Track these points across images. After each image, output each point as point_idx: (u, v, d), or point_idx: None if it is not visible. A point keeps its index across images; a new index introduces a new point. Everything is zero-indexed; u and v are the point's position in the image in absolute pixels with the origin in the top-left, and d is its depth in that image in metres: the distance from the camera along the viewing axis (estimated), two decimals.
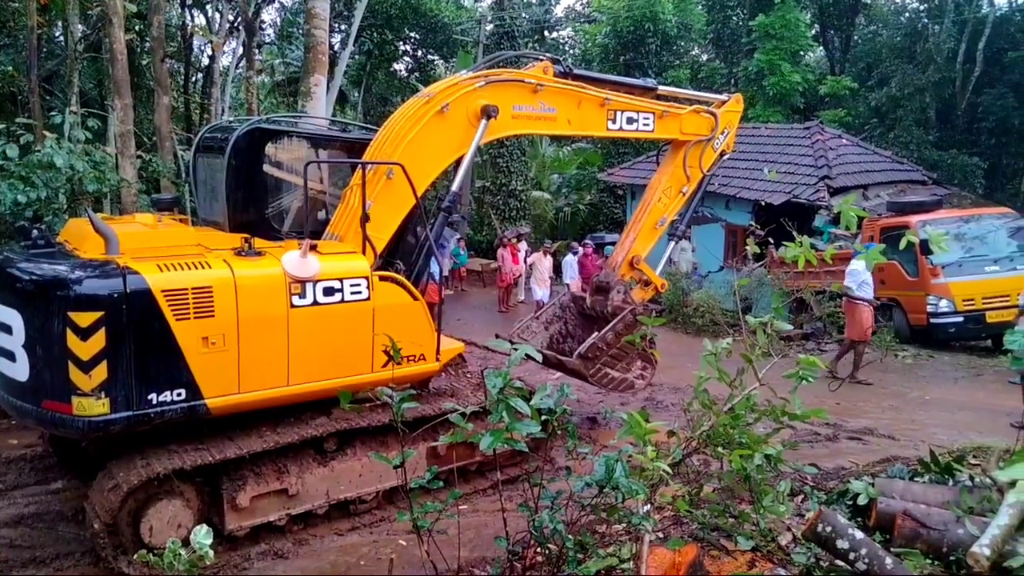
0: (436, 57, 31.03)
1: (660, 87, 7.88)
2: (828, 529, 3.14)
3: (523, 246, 17.45)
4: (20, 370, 4.69)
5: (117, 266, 4.65)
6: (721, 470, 3.99)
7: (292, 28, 26.41)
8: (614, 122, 7.15)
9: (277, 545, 5.34)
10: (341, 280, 5.37)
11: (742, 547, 3.64)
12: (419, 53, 30.89)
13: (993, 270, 11.72)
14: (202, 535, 2.84)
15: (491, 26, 25.91)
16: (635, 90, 7.57)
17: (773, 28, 24.76)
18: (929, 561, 3.31)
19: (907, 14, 29.11)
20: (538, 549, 3.15)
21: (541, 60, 6.83)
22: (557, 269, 17.67)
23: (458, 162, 6.34)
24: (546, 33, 34.07)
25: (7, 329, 4.71)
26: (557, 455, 6.65)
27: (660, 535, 3.86)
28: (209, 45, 21.96)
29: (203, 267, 4.88)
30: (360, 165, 5.69)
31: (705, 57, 33.19)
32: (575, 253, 16.13)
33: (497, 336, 8.13)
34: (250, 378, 5.05)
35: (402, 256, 6.28)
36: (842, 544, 3.08)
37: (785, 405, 3.77)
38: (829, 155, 16.82)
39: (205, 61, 25.35)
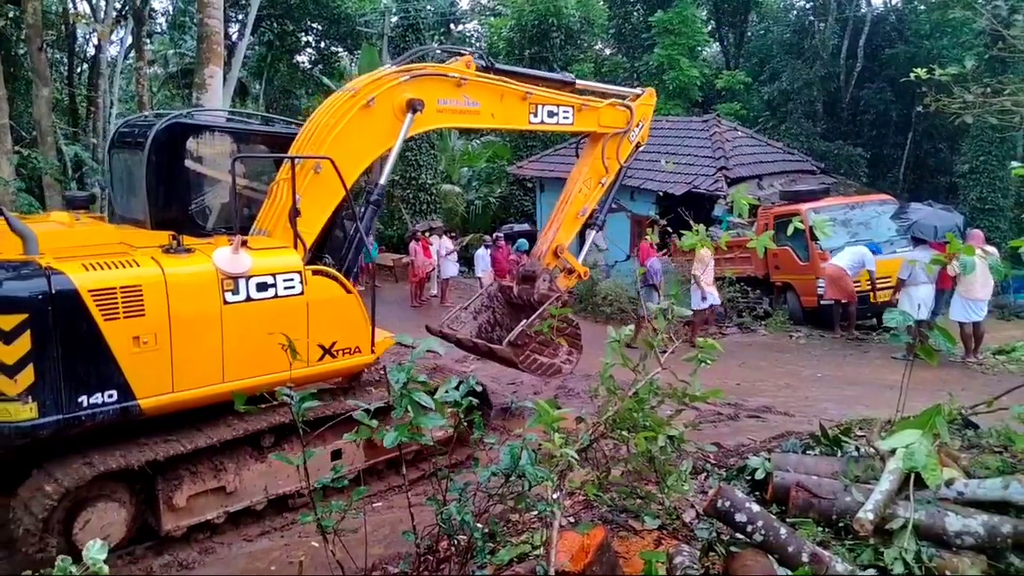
0: (340, 49, 30.35)
1: (578, 81, 8.10)
2: (727, 504, 3.27)
3: (438, 240, 17.34)
4: None
5: (40, 266, 4.51)
6: (628, 453, 4.11)
7: (184, 17, 25.23)
8: (536, 115, 7.32)
9: (181, 556, 5.14)
10: (274, 275, 5.34)
11: (649, 526, 3.76)
12: (322, 45, 30.13)
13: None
14: (95, 550, 2.69)
15: (395, 18, 25.56)
16: (554, 84, 7.77)
17: (671, 24, 25.57)
18: (820, 529, 3.50)
19: (795, 12, 30.63)
20: (451, 541, 3.16)
21: (464, 55, 6.91)
22: (470, 263, 17.67)
23: (384, 156, 6.40)
24: (452, 26, 33.93)
25: None
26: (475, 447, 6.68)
27: (571, 520, 3.94)
28: (94, 34, 20.70)
29: (131, 266, 4.79)
30: (289, 159, 5.65)
31: (608, 52, 33.89)
32: (487, 246, 16.17)
33: (427, 328, 8.27)
34: (184, 377, 4.98)
35: (330, 250, 6.30)
36: (740, 518, 3.22)
37: (686, 388, 3.92)
38: (726, 147, 17.51)
39: (91, 51, 23.86)
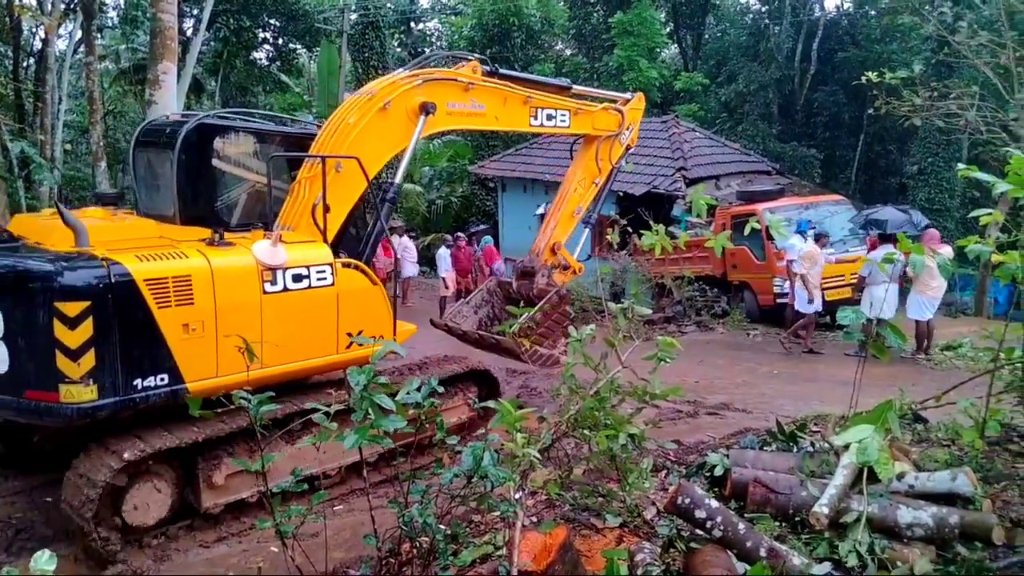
0: (298, 46, 29.90)
1: (573, 87, 8.38)
2: (687, 501, 3.31)
3: (398, 239, 17.18)
4: None
5: (98, 257, 4.79)
6: (590, 452, 4.14)
7: (137, 11, 24.57)
8: (535, 118, 7.66)
9: (135, 563, 5.02)
10: (308, 267, 5.68)
11: (611, 524, 3.79)
12: (280, 41, 29.62)
13: (829, 253, 12.77)
14: (43, 561, 2.60)
15: (355, 15, 25.31)
16: (552, 89, 8.06)
17: (630, 25, 25.81)
18: (778, 523, 3.56)
19: (751, 15, 31.16)
20: (413, 544, 3.13)
21: (470, 60, 7.20)
22: (432, 263, 17.54)
23: (398, 156, 6.70)
24: (412, 24, 33.74)
25: None
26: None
27: (534, 519, 3.95)
28: (41, 27, 20.04)
29: (181, 257, 5.10)
30: (320, 159, 5.89)
31: (568, 52, 34.03)
32: (448, 246, 16.12)
33: (432, 322, 8.63)
34: (227, 362, 5.22)
35: (345, 246, 6.47)
36: (700, 514, 3.26)
37: (646, 386, 3.95)
38: (685, 147, 17.73)
39: (38, 45, 23.08)
